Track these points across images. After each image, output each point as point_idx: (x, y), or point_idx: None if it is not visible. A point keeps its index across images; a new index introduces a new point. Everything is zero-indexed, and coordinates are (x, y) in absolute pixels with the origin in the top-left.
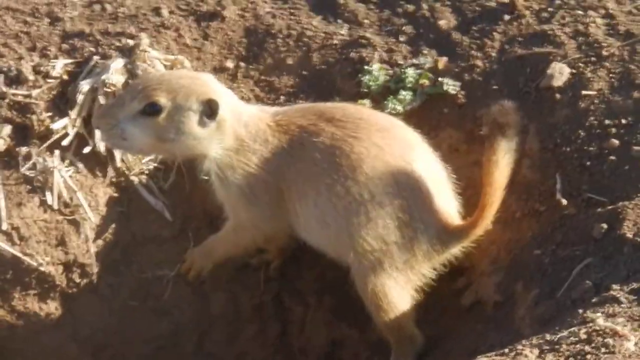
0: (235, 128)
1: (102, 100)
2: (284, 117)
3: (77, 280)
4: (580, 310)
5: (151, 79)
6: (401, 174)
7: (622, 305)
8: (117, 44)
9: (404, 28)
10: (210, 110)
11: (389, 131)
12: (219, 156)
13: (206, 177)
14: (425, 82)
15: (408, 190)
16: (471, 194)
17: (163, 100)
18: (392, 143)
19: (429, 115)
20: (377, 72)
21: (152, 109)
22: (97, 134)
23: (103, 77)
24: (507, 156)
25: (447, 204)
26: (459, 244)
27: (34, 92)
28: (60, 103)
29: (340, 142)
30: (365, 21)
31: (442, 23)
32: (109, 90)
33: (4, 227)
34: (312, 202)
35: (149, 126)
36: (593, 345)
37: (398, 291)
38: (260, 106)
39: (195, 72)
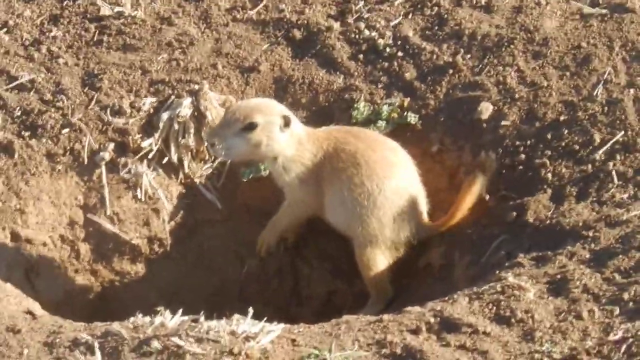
0: (299, 136)
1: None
2: (325, 132)
3: (157, 249)
4: (497, 272)
5: (246, 105)
6: (402, 179)
7: (525, 268)
8: (187, 88)
9: (381, 78)
10: (284, 122)
11: (394, 149)
12: (289, 154)
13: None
14: (395, 115)
15: (404, 191)
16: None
17: (258, 118)
18: (397, 157)
19: (397, 138)
20: (362, 108)
21: (251, 126)
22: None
23: (177, 110)
24: (480, 188)
25: (423, 206)
26: (428, 235)
27: (130, 121)
28: (148, 128)
29: (361, 150)
30: (355, 73)
31: (407, 75)
32: (180, 120)
33: (108, 212)
34: (338, 189)
35: (248, 139)
36: (505, 295)
37: (383, 261)
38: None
39: (268, 99)
